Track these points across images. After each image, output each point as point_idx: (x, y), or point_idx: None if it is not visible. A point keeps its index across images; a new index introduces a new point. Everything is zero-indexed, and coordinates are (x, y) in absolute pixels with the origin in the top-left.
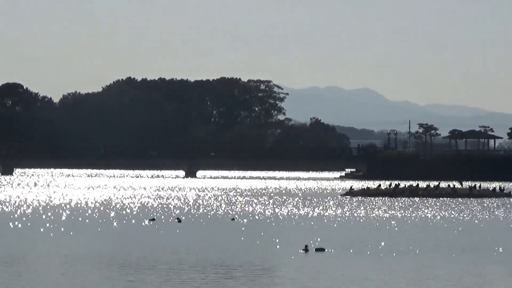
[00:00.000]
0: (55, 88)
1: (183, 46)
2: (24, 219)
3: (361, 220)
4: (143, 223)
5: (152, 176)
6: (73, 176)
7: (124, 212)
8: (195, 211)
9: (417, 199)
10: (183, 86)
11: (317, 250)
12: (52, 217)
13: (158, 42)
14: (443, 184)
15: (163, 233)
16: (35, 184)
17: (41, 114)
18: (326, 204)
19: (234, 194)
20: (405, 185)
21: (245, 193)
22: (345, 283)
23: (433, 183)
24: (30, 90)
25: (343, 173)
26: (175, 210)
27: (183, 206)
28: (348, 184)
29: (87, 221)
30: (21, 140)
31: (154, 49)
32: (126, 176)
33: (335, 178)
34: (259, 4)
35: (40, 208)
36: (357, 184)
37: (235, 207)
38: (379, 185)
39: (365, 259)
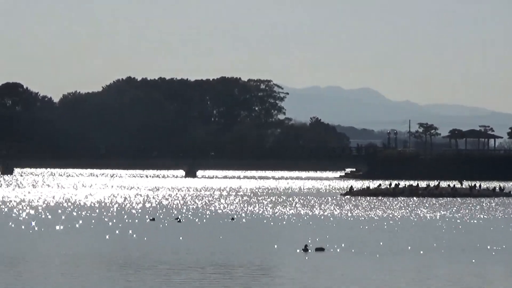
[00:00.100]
0: (55, 88)
1: (183, 46)
2: (24, 219)
3: (361, 220)
4: (143, 223)
5: (152, 176)
6: (73, 176)
7: (124, 212)
8: (195, 211)
9: (417, 198)
10: (183, 85)
11: (317, 249)
12: (52, 217)
13: (158, 42)
14: (443, 184)
15: (163, 233)
16: (35, 184)
17: (41, 114)
18: (326, 204)
19: (234, 194)
20: (405, 184)
21: (245, 192)
22: (345, 283)
23: (433, 183)
24: (30, 90)
25: (343, 173)
26: (175, 210)
27: (183, 206)
28: (348, 183)
29: (87, 221)
30: (21, 140)
31: (154, 49)
32: (126, 176)
33: (335, 178)
34: (259, 4)
35: (40, 208)
36: (357, 184)
37: (235, 207)
38: (379, 185)
39: (365, 259)
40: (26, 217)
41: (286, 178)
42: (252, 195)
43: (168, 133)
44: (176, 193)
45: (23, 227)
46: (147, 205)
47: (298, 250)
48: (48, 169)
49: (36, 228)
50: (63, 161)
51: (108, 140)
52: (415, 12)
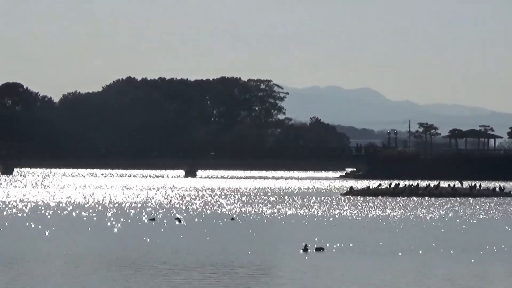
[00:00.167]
0: (55, 88)
1: (183, 46)
2: (24, 219)
3: (361, 220)
4: (143, 223)
5: (152, 175)
6: (73, 175)
7: (124, 212)
8: (195, 211)
9: (417, 198)
10: (183, 85)
11: (317, 249)
12: (51, 217)
13: (158, 42)
14: (443, 184)
15: (163, 233)
16: (35, 184)
17: (41, 114)
18: (326, 204)
19: (234, 193)
20: (405, 184)
21: (245, 192)
22: (345, 283)
23: (433, 183)
24: (30, 90)
25: (343, 173)
26: (175, 209)
27: (183, 206)
28: (348, 183)
29: (87, 221)
30: (21, 140)
31: (154, 49)
32: (126, 175)
33: (335, 178)
34: (259, 4)
35: (40, 208)
36: (357, 184)
37: (234, 206)
38: (379, 185)
39: (365, 258)
40: (26, 217)
41: (286, 178)
42: (252, 195)
43: (168, 133)
44: (176, 193)
45: (23, 227)
46: (147, 205)
47: (298, 250)
48: (48, 169)
49: (36, 228)
50: (63, 161)
51: (108, 140)
52: (415, 12)
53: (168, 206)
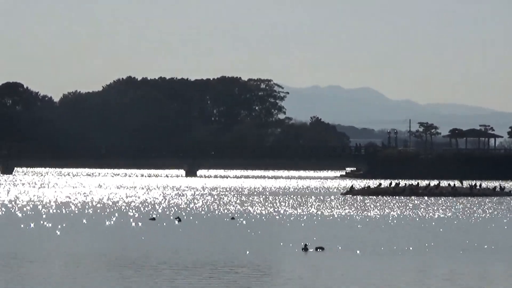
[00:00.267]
0: (55, 87)
1: (183, 46)
2: (24, 218)
3: (361, 219)
4: (143, 223)
5: (152, 175)
6: (73, 175)
7: (124, 211)
8: (195, 210)
9: (417, 198)
10: (183, 85)
11: (317, 249)
12: (52, 217)
13: (158, 42)
14: (444, 183)
15: (163, 232)
16: (35, 184)
17: (41, 114)
18: (326, 203)
19: (234, 193)
20: (405, 184)
21: (245, 192)
22: (345, 282)
23: (433, 182)
24: (31, 90)
25: (343, 172)
26: (175, 209)
27: (183, 206)
28: (348, 183)
29: (87, 221)
30: (21, 140)
31: (154, 49)
32: (126, 175)
33: (336, 177)
34: (259, 4)
35: (40, 208)
36: (358, 183)
37: (235, 206)
38: (380, 184)
39: (365, 258)
40: (26, 217)
41: (286, 178)
42: (252, 195)
43: (168, 133)
44: (176, 193)
45: (23, 227)
46: (147, 204)
47: (298, 250)
48: (48, 169)
49: (36, 228)
50: (63, 161)
51: (108, 140)
52: (415, 12)
53: (168, 205)
